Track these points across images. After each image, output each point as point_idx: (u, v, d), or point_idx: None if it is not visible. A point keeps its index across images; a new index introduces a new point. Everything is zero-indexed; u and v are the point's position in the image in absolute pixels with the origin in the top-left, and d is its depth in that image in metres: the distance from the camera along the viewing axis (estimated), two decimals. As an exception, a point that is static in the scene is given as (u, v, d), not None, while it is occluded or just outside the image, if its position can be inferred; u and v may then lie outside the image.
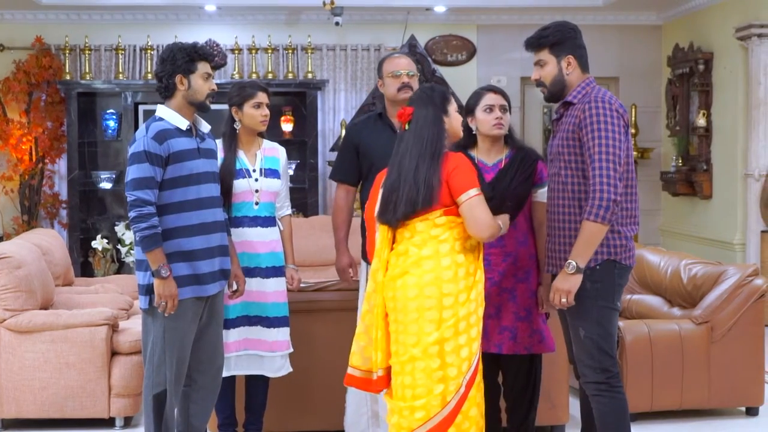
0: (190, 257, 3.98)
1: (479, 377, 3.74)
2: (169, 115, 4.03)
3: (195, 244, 3.99)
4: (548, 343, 4.16)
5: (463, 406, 3.65)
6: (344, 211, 4.61)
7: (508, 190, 4.07)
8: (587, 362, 3.80)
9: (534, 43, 3.89)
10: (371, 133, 4.51)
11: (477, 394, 3.72)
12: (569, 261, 3.66)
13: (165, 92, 4.06)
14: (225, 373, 4.33)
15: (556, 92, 3.88)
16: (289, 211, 4.67)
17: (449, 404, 3.63)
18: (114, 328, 5.17)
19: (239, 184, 4.38)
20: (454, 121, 3.85)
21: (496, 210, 4.07)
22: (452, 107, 3.85)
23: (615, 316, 3.82)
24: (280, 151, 4.60)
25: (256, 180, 4.43)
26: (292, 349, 4.50)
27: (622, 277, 3.80)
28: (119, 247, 8.46)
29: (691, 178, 8.97)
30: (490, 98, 4.15)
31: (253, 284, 4.39)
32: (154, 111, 4.11)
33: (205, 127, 4.17)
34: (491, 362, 4.19)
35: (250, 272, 4.38)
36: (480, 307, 3.73)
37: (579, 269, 3.66)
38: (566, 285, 3.68)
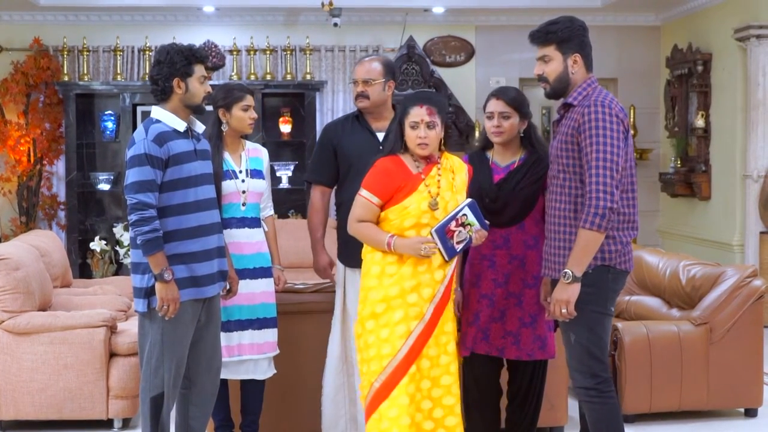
0: (189, 260, 3.97)
1: (407, 382, 3.76)
2: (166, 117, 4.01)
3: (194, 246, 3.98)
4: (549, 350, 4.14)
5: (381, 405, 3.76)
6: (321, 213, 4.58)
7: (513, 193, 4.06)
8: (577, 367, 3.76)
9: (540, 38, 3.79)
10: (349, 135, 4.48)
11: (402, 396, 3.75)
12: (565, 270, 3.62)
13: (161, 95, 4.03)
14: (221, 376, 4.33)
15: (559, 90, 3.81)
16: (272, 212, 4.68)
17: (367, 398, 3.83)
18: (112, 329, 5.17)
19: (227, 186, 4.38)
20: (407, 137, 3.89)
21: (499, 212, 4.07)
22: (408, 120, 3.86)
23: (608, 321, 3.77)
24: (263, 152, 4.60)
25: (243, 181, 4.42)
26: (278, 351, 4.49)
27: (617, 282, 3.75)
28: (117, 248, 8.45)
29: (689, 179, 8.97)
30: (491, 105, 4.15)
31: (242, 286, 4.38)
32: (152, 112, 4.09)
33: (199, 128, 4.16)
34: (494, 365, 4.19)
35: (239, 274, 4.37)
36: (395, 311, 3.79)
37: (576, 278, 3.61)
38: (564, 295, 3.63)
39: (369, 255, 3.92)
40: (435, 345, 3.85)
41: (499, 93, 4.17)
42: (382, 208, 3.87)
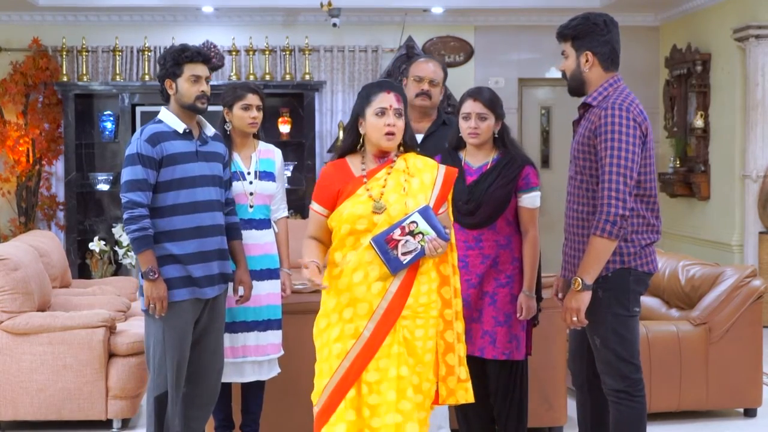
0: (184, 260, 3.99)
1: (345, 407, 3.42)
2: (168, 117, 4.06)
3: (189, 247, 4.00)
4: (522, 350, 4.12)
5: (322, 430, 3.44)
6: None
7: (485, 195, 4.04)
8: (605, 370, 3.71)
9: (559, 34, 3.77)
10: None
11: (341, 424, 3.40)
12: (575, 278, 3.57)
13: (162, 96, 4.11)
14: (223, 379, 4.32)
15: (575, 87, 3.77)
16: (285, 214, 4.66)
17: (314, 415, 3.50)
18: (111, 330, 5.16)
19: (234, 187, 4.37)
20: (370, 127, 3.53)
21: (472, 213, 4.06)
22: (371, 109, 3.52)
23: (632, 322, 3.70)
24: (276, 154, 4.58)
25: (251, 183, 4.41)
26: (282, 352, 4.49)
27: (639, 284, 3.68)
28: (116, 248, 8.45)
29: (689, 180, 8.97)
30: (467, 106, 4.10)
31: None
32: (150, 112, 4.14)
33: (209, 130, 4.18)
34: (479, 365, 4.18)
35: None
36: (333, 328, 3.48)
37: (586, 286, 3.55)
38: (575, 303, 3.57)
39: (326, 270, 3.60)
40: (375, 369, 3.43)
41: (476, 94, 4.11)
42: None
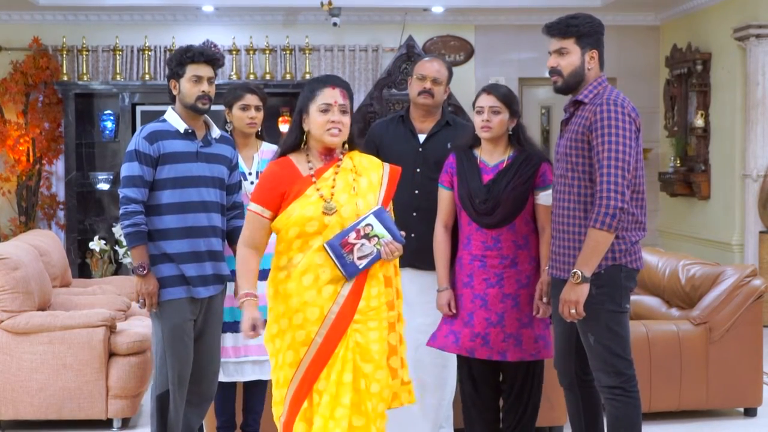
0: (177, 259, 4.02)
1: (299, 419, 3.34)
2: (172, 117, 4.10)
3: (180, 247, 4.02)
4: (549, 348, 4.12)
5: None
6: None
7: (503, 194, 4.04)
8: (600, 367, 3.72)
9: (561, 30, 3.74)
10: (391, 135, 4.51)
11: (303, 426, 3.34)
12: (574, 270, 3.58)
13: (169, 96, 4.15)
14: (225, 379, 4.34)
15: (572, 84, 3.76)
16: None
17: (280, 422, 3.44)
18: (112, 329, 5.16)
19: None
20: (313, 123, 3.42)
21: (490, 213, 4.05)
22: (315, 105, 3.41)
23: (625, 318, 3.74)
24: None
25: (252, 183, 4.41)
26: None
27: (630, 281, 3.73)
28: (117, 248, 8.45)
29: (689, 179, 8.97)
30: (481, 99, 4.11)
31: None
32: (151, 112, 4.17)
33: (216, 132, 4.18)
34: (492, 364, 4.18)
35: None
36: (285, 335, 3.38)
37: (585, 278, 3.57)
38: (573, 296, 3.59)
39: (270, 274, 3.49)
40: (326, 377, 3.33)
41: (490, 88, 4.15)
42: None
